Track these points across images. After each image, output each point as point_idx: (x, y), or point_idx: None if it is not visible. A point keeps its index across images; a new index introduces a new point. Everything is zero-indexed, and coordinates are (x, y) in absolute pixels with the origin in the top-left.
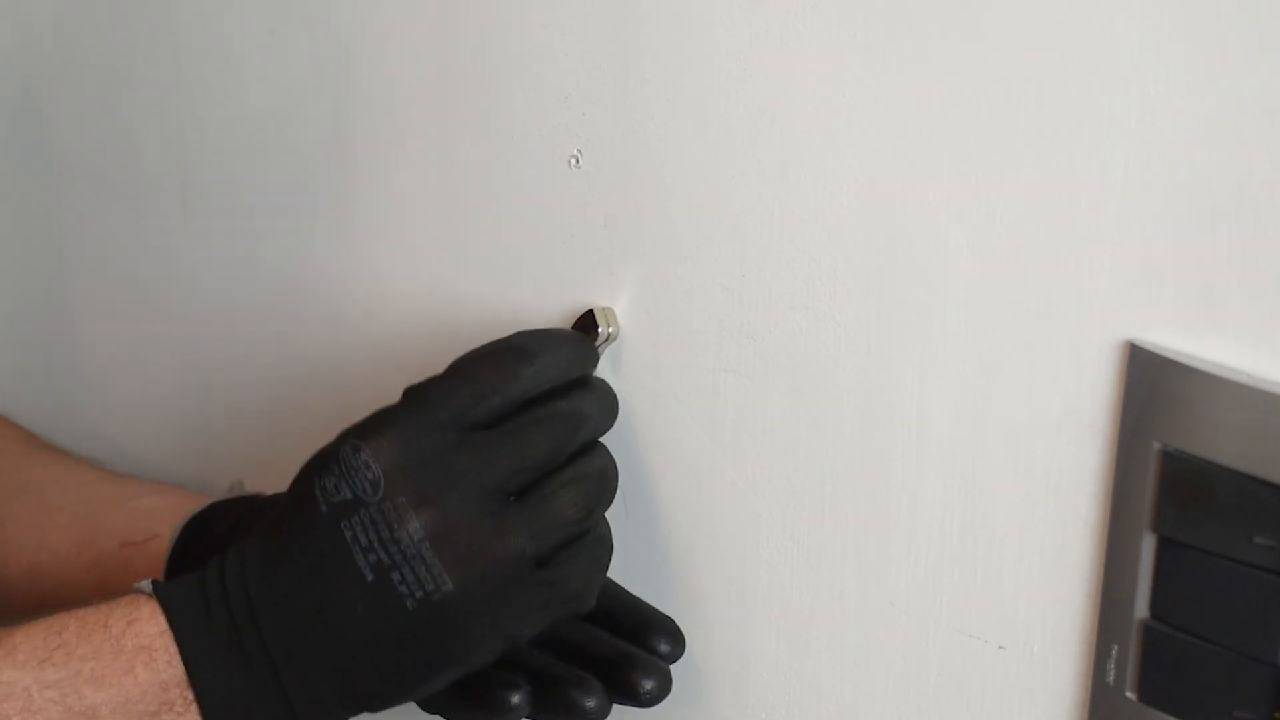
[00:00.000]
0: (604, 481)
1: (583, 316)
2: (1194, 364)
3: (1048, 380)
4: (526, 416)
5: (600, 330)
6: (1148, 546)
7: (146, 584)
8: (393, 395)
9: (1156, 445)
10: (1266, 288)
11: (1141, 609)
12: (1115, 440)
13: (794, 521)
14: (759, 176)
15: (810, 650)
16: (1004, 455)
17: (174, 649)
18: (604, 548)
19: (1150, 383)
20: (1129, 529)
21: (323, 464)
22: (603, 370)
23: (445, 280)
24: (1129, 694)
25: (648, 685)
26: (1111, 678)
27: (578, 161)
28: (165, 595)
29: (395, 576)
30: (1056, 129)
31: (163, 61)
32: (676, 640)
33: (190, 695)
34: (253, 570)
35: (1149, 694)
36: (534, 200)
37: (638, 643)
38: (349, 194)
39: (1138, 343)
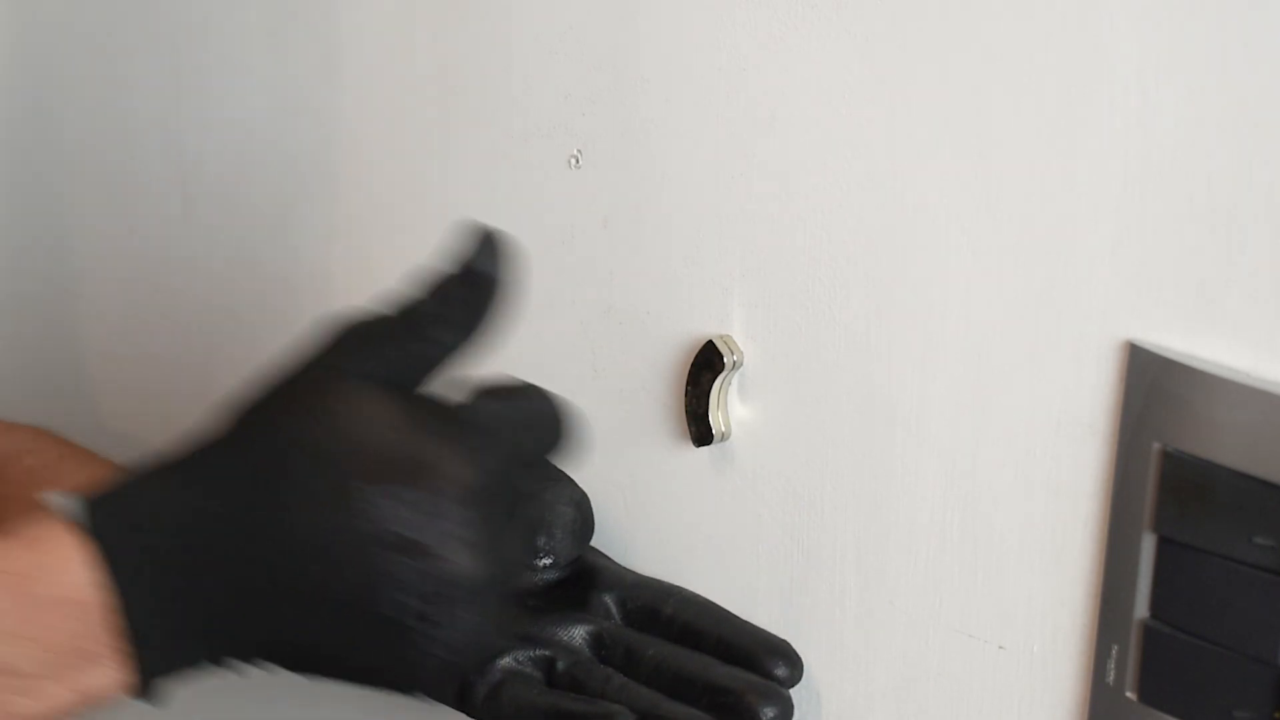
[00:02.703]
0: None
1: (704, 348)
2: (1194, 364)
3: (1048, 380)
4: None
5: (725, 360)
6: (1148, 546)
7: (68, 501)
8: None
9: (1156, 445)
10: (1266, 288)
11: (1141, 609)
12: (1115, 440)
13: (794, 521)
14: (759, 176)
15: (810, 650)
16: (1004, 455)
17: (111, 601)
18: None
19: (1150, 383)
20: (1129, 529)
21: (391, 478)
22: (730, 398)
23: None
24: (1129, 694)
25: (770, 713)
26: (1111, 678)
27: (578, 161)
28: (102, 533)
29: (415, 623)
30: (1056, 128)
31: (163, 61)
32: (794, 663)
33: (123, 646)
34: (241, 519)
35: (1149, 694)
36: (534, 200)
37: (753, 669)
38: (349, 194)
39: (1138, 343)
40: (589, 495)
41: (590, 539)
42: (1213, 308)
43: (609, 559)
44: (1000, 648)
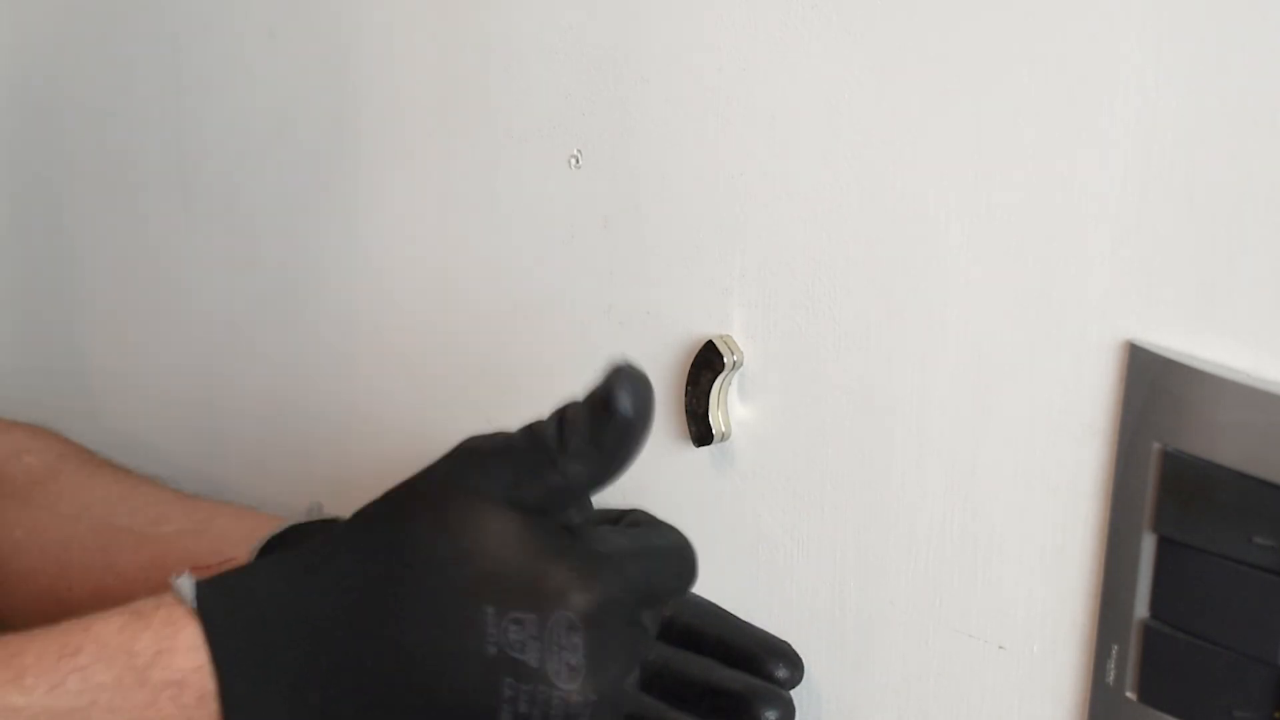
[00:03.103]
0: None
1: (704, 348)
2: (1194, 364)
3: (1048, 380)
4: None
5: (725, 359)
6: (1148, 546)
7: (186, 584)
8: (393, 393)
9: (1156, 445)
10: (1266, 288)
11: (1141, 609)
12: (1115, 440)
13: (794, 521)
14: (759, 176)
15: (810, 650)
16: (1004, 455)
17: (211, 688)
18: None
19: (1150, 383)
20: (1129, 529)
21: (507, 601)
22: (730, 398)
23: (445, 280)
24: (1129, 694)
25: (771, 715)
26: (1111, 678)
27: (577, 161)
28: (211, 617)
29: None
30: (1057, 128)
31: (163, 61)
32: (795, 665)
33: None
34: (353, 623)
35: (1149, 694)
36: (534, 200)
37: (753, 671)
38: (349, 194)
39: (1138, 343)
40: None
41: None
42: (1213, 308)
43: None
44: (1000, 648)
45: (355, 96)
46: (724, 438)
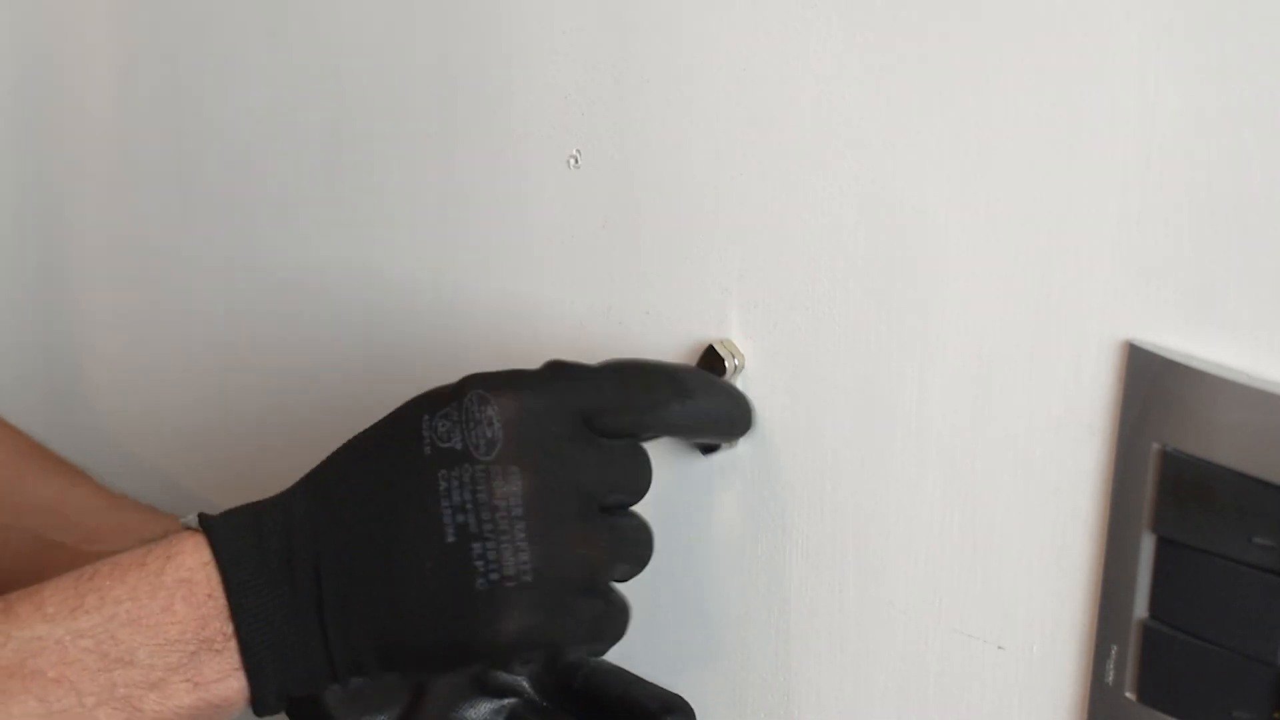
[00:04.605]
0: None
1: (705, 353)
2: (1194, 364)
3: (1048, 380)
4: (640, 443)
5: (726, 364)
6: (1147, 546)
7: (192, 517)
8: (392, 393)
9: (1156, 445)
10: (1266, 288)
11: (1141, 609)
12: (1115, 440)
13: (794, 521)
14: (759, 176)
15: (810, 650)
16: (1004, 455)
17: (216, 579)
18: (627, 612)
19: (1150, 383)
20: (1128, 529)
21: (438, 403)
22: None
23: (445, 280)
24: (1128, 694)
25: None
26: (1111, 678)
27: (577, 161)
28: (212, 525)
29: (477, 548)
30: (1056, 128)
31: (163, 61)
32: (685, 715)
33: (230, 629)
34: (323, 495)
35: (1148, 694)
36: (534, 200)
37: None
38: (349, 194)
39: (1137, 343)
40: None
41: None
42: (1213, 308)
43: None
44: (1000, 648)
45: (355, 96)
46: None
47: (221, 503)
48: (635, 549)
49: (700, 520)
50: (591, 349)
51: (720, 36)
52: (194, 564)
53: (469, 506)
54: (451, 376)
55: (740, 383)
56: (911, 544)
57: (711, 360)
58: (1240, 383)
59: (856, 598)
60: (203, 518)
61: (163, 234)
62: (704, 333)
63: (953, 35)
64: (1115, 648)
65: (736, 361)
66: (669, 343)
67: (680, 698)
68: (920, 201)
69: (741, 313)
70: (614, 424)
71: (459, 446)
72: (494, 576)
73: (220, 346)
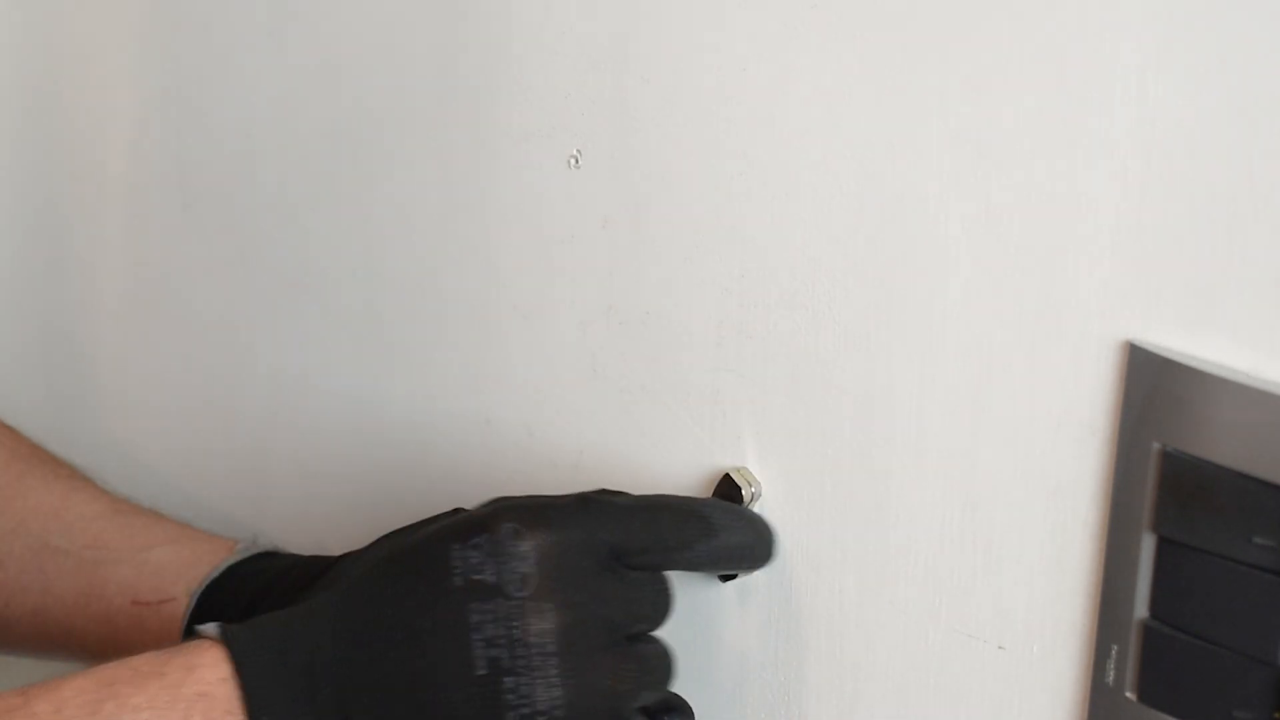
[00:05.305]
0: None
1: (721, 482)
2: (1194, 364)
3: (1047, 380)
4: (663, 574)
5: (744, 493)
6: (1147, 547)
7: (212, 627)
8: (393, 393)
9: (1156, 445)
10: (1266, 288)
11: (1141, 609)
12: (1115, 440)
13: (794, 521)
14: (759, 176)
15: (810, 650)
16: (1004, 455)
17: (236, 696)
18: None
19: (1150, 383)
20: (1129, 529)
21: (469, 533)
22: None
23: (444, 280)
24: (1129, 694)
25: None
26: (1111, 678)
27: (577, 161)
28: (233, 638)
29: (509, 682)
30: (1056, 128)
31: (164, 61)
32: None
33: None
34: (349, 618)
35: (1149, 694)
36: (534, 200)
37: None
38: (348, 194)
39: (1138, 343)
40: None
41: None
42: (1213, 308)
43: None
44: (1000, 648)
45: (355, 96)
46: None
47: (222, 504)
48: (659, 675)
49: None
50: (591, 349)
51: (720, 36)
52: (214, 679)
53: (502, 641)
54: (451, 377)
55: (740, 382)
56: (911, 544)
57: (729, 489)
58: (1240, 383)
59: (856, 598)
60: (224, 630)
61: (163, 234)
62: (704, 332)
63: (953, 35)
64: (1115, 648)
65: (754, 489)
66: (669, 343)
67: (679, 697)
68: (921, 201)
69: (741, 313)
70: (642, 561)
71: (492, 580)
72: (525, 711)
73: (220, 346)
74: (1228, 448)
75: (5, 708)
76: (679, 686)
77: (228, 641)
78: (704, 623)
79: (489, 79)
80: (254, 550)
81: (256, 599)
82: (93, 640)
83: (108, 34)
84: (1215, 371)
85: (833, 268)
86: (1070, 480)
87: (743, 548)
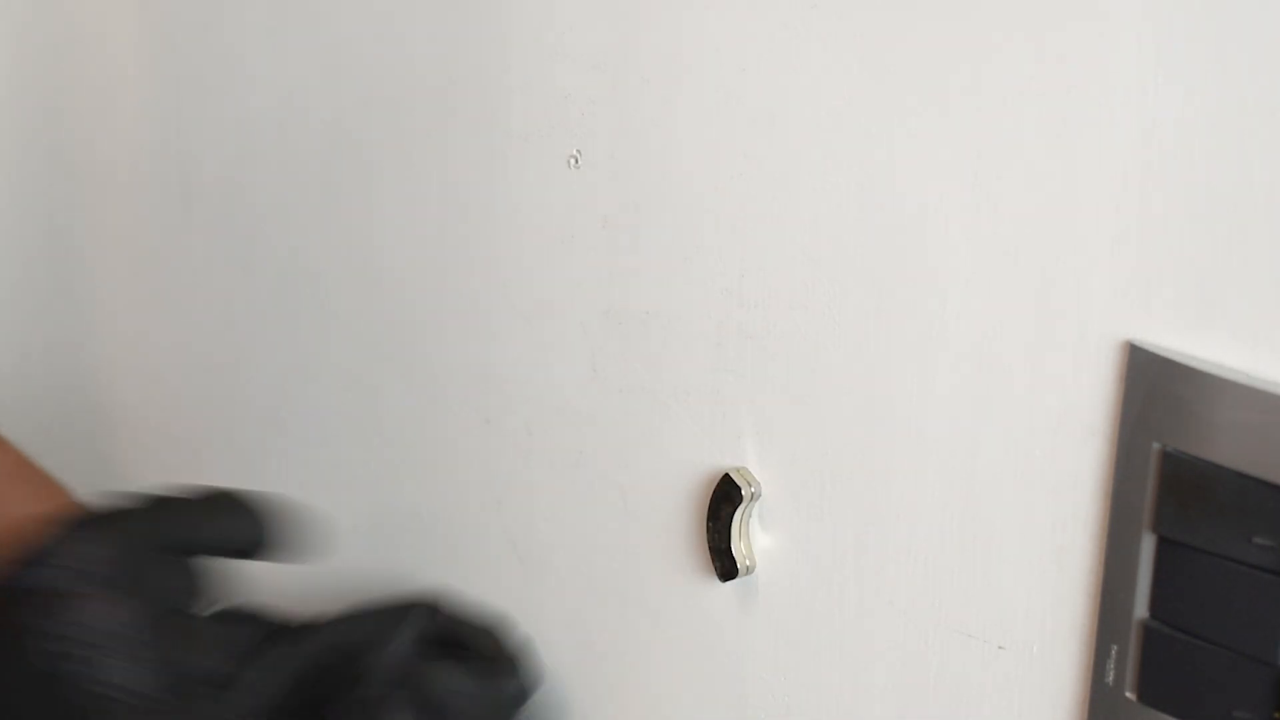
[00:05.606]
0: None
1: (721, 482)
2: (1194, 364)
3: (1048, 380)
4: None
5: (744, 492)
6: (1147, 547)
7: None
8: (392, 393)
9: (1156, 445)
10: (1266, 288)
11: (1141, 609)
12: (1115, 440)
13: (794, 521)
14: (759, 176)
15: (810, 650)
16: (1003, 455)
17: None
18: None
19: (1150, 383)
20: (1128, 529)
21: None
22: (751, 527)
23: (444, 280)
24: (1129, 694)
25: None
26: (1111, 678)
27: (577, 161)
28: None
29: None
30: (1056, 128)
31: (163, 61)
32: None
33: None
34: None
35: (1149, 694)
36: (533, 200)
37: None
38: (349, 194)
39: (1137, 343)
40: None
41: None
42: (1213, 308)
43: None
44: (1000, 648)
45: (355, 96)
46: (748, 570)
47: None
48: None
49: (699, 520)
50: (591, 349)
51: (720, 36)
52: None
53: (60, 636)
54: (451, 378)
55: (740, 384)
56: (911, 544)
57: (728, 489)
58: (1240, 383)
59: (856, 598)
60: None
61: (163, 234)
62: (704, 332)
63: (953, 35)
64: (1115, 648)
65: (753, 489)
66: (669, 343)
67: (501, 619)
68: (920, 201)
69: (742, 312)
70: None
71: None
72: (98, 690)
73: (219, 346)
74: (1227, 448)
75: None
76: (680, 691)
77: None
78: (704, 623)
79: (489, 79)
80: None
81: None
82: None
83: (108, 34)
84: (1215, 371)
85: (833, 268)
86: (1070, 480)
87: (234, 534)
